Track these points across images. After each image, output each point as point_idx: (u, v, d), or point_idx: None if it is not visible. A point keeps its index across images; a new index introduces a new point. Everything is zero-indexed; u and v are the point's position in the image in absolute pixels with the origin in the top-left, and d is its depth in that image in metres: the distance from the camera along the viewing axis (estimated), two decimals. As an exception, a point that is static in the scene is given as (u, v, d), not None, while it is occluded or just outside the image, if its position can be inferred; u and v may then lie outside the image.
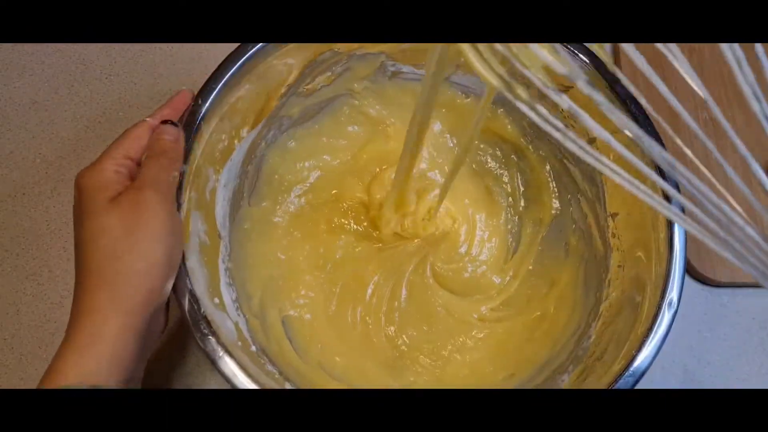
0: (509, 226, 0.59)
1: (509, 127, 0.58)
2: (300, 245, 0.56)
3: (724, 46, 0.26)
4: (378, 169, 0.59)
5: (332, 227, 0.57)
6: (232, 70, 0.46)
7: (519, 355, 0.53)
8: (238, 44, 0.47)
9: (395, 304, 0.55)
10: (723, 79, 0.66)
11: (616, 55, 0.68)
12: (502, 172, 0.61)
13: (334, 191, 0.58)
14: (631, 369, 0.41)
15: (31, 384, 0.52)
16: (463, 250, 0.58)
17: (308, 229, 0.56)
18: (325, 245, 0.56)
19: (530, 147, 0.58)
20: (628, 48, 0.26)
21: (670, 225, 0.45)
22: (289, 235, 0.56)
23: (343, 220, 0.57)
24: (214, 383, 0.53)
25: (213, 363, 0.40)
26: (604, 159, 0.29)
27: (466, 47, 0.30)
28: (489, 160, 0.61)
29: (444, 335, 0.55)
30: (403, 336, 0.54)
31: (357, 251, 0.56)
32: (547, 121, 0.28)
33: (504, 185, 0.60)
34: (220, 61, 0.46)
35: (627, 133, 0.29)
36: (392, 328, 0.55)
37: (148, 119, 0.43)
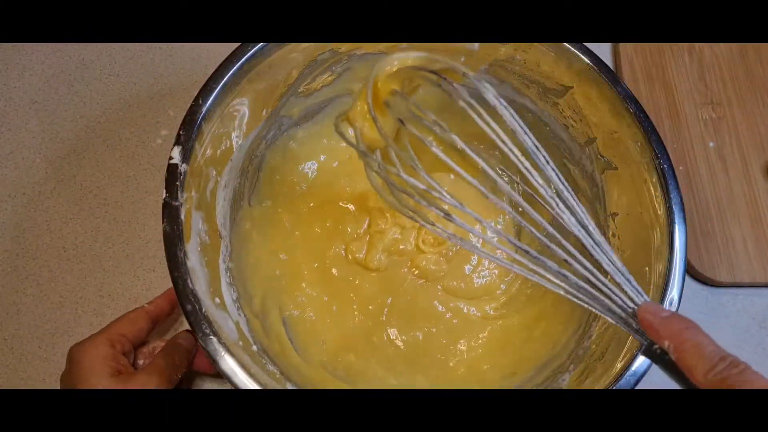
0: (514, 227, 0.59)
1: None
2: (301, 246, 0.56)
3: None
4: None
5: (332, 229, 0.57)
6: (232, 70, 0.46)
7: (519, 354, 0.53)
8: (238, 44, 0.47)
9: (399, 305, 0.55)
10: (723, 79, 0.66)
11: (617, 55, 0.68)
12: (501, 172, 0.61)
13: (332, 193, 0.58)
14: (632, 369, 0.41)
15: (31, 384, 0.52)
16: (474, 261, 0.58)
17: (309, 230, 0.56)
18: (326, 247, 0.56)
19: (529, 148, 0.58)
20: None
21: (670, 225, 0.45)
22: (289, 236, 0.56)
23: (340, 226, 0.57)
24: (214, 383, 0.53)
25: (214, 362, 0.40)
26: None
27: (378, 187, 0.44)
28: (489, 160, 0.61)
29: (446, 335, 0.55)
30: (405, 336, 0.54)
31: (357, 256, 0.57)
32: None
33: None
34: (220, 61, 0.46)
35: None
36: (394, 329, 0.55)
37: (146, 305, 0.49)
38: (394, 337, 0.54)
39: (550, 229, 0.36)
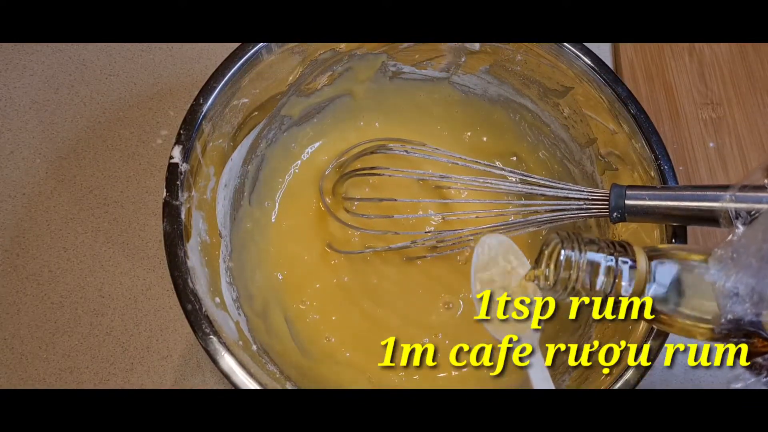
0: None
1: (508, 134, 0.59)
2: (302, 245, 0.56)
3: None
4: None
5: (333, 229, 0.57)
6: (232, 70, 0.46)
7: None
8: (238, 44, 0.47)
9: (401, 305, 0.55)
10: (723, 79, 0.66)
11: (617, 55, 0.68)
12: (501, 173, 0.60)
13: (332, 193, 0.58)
14: (632, 369, 0.41)
15: (31, 384, 0.52)
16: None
17: (310, 230, 0.56)
18: (328, 246, 0.56)
19: (529, 149, 0.59)
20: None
21: (670, 225, 0.45)
22: (290, 236, 0.56)
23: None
24: (214, 383, 0.53)
25: (215, 362, 0.40)
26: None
27: None
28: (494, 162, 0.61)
29: (450, 337, 0.54)
30: (407, 335, 0.54)
31: (359, 256, 0.56)
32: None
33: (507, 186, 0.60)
34: (220, 61, 0.46)
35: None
36: (395, 328, 0.54)
37: None
38: (397, 334, 0.54)
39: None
